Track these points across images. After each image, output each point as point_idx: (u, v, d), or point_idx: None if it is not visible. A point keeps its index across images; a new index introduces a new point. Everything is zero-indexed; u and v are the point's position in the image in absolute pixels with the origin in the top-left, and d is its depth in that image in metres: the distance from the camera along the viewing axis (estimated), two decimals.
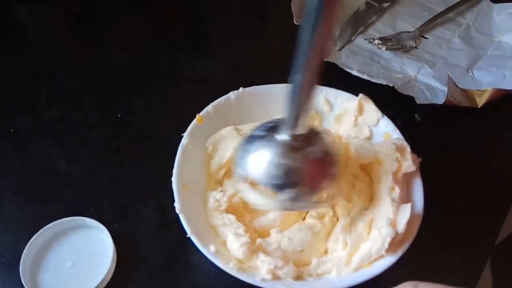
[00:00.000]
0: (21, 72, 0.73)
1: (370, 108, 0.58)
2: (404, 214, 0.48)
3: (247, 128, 0.55)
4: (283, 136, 0.43)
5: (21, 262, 0.50)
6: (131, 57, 0.76)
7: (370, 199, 0.52)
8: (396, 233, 0.46)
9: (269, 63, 0.76)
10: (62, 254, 0.52)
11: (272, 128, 0.45)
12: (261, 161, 0.43)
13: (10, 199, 0.58)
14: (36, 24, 0.82)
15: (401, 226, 0.47)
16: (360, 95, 0.59)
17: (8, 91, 0.70)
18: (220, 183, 0.54)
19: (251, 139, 0.46)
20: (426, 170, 0.53)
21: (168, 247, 0.54)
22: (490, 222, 0.59)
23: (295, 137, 0.43)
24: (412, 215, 0.48)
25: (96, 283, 0.49)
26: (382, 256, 0.46)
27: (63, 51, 0.77)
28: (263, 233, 0.50)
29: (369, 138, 0.57)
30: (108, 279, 0.50)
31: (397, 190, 0.50)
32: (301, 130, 0.42)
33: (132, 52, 0.77)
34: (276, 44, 0.79)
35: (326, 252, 0.50)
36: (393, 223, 0.47)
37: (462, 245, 0.56)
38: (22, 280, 0.49)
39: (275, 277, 0.45)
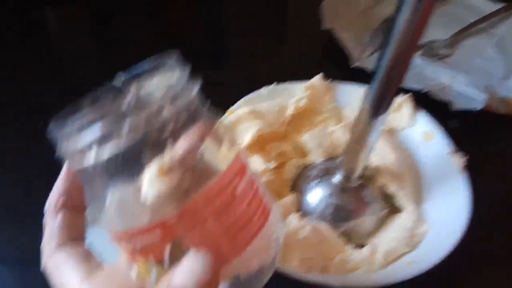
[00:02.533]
0: (41, 73, 0.72)
1: (407, 107, 0.55)
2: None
3: (266, 110, 0.54)
4: (337, 179, 0.49)
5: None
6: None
7: None
8: (411, 232, 0.46)
9: (286, 70, 0.74)
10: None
11: (327, 170, 0.51)
12: (316, 198, 0.50)
13: (38, 188, 0.56)
14: (61, 25, 0.81)
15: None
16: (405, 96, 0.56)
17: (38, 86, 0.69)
18: None
19: (309, 179, 0.51)
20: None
21: None
22: None
23: (350, 181, 0.48)
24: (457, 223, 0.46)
25: None
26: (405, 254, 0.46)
27: (88, 52, 0.76)
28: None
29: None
30: None
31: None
32: (357, 175, 0.48)
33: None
34: (296, 50, 0.77)
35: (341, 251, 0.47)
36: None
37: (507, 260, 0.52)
38: None
39: (307, 269, 0.42)
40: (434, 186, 0.51)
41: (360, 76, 0.69)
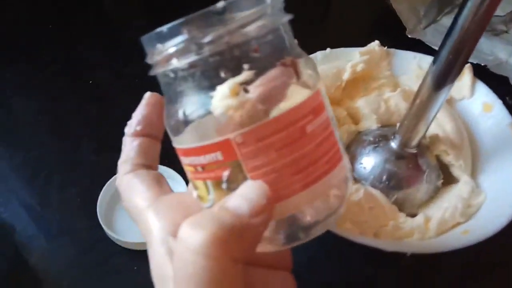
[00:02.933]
0: (100, 31, 0.73)
1: (467, 78, 0.54)
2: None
3: (322, 72, 0.51)
4: (394, 145, 0.48)
5: (98, 203, 0.49)
6: None
7: None
8: (467, 202, 0.44)
9: (339, 40, 0.73)
10: None
11: (383, 136, 0.50)
12: (371, 164, 0.49)
13: (88, 145, 0.57)
14: None
15: None
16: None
17: (88, 47, 0.70)
18: None
19: (364, 144, 0.50)
20: None
21: None
22: None
23: (408, 147, 0.47)
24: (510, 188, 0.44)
25: None
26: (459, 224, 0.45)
27: (142, 12, 0.76)
28: None
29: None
30: None
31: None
32: (416, 143, 0.47)
33: None
34: (348, 20, 0.76)
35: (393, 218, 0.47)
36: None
37: None
38: (100, 220, 0.48)
39: (361, 232, 0.42)
40: (491, 157, 0.49)
41: (415, 47, 0.68)
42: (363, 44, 0.57)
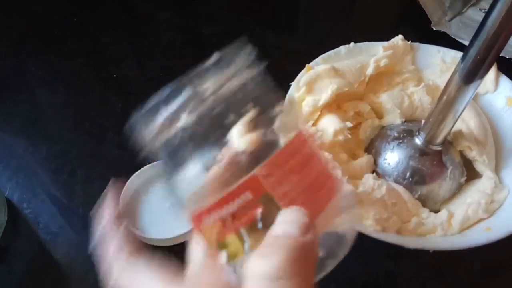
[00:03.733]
0: (125, 23, 0.74)
1: (491, 72, 0.53)
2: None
3: (346, 67, 0.52)
4: (419, 142, 0.48)
5: (120, 198, 0.49)
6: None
7: None
8: (490, 198, 0.44)
9: (363, 32, 0.72)
10: (160, 194, 0.51)
11: (407, 132, 0.50)
12: (395, 160, 0.49)
13: (112, 139, 0.58)
14: None
15: None
16: None
17: (113, 40, 0.71)
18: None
19: (389, 139, 0.50)
20: None
21: None
22: None
23: (433, 144, 0.47)
24: None
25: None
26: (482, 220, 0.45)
27: (166, 5, 0.77)
28: (356, 175, 0.48)
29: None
30: None
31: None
32: (440, 141, 0.47)
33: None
34: (373, 12, 0.76)
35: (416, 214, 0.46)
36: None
37: None
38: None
39: (383, 229, 0.42)
40: None
41: (439, 40, 0.67)
42: (388, 37, 0.57)
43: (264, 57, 0.26)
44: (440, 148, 0.47)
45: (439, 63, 0.56)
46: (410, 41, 0.57)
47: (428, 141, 0.47)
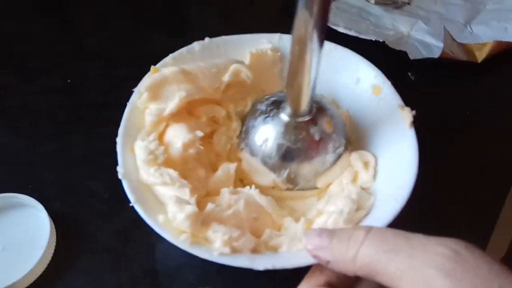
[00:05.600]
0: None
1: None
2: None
3: (199, 71, 0.46)
4: (285, 115, 0.43)
5: None
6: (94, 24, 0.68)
7: None
8: (355, 205, 0.40)
9: (242, 24, 0.68)
10: None
11: (275, 104, 0.44)
12: (263, 141, 0.43)
13: None
14: None
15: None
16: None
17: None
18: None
19: (256, 114, 0.45)
20: (421, 131, 0.44)
21: (120, 226, 0.45)
22: (495, 187, 0.51)
23: (298, 115, 0.42)
24: (404, 179, 0.40)
25: (29, 268, 0.40)
26: None
27: (12, 13, 0.68)
28: (216, 191, 0.42)
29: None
30: (46, 263, 0.42)
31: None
32: (305, 108, 0.42)
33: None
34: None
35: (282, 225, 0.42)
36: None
37: (461, 213, 0.49)
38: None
39: (233, 250, 0.36)
40: (382, 141, 0.45)
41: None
42: (268, 30, 0.52)
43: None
44: (306, 119, 0.42)
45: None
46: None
47: (293, 113, 0.42)
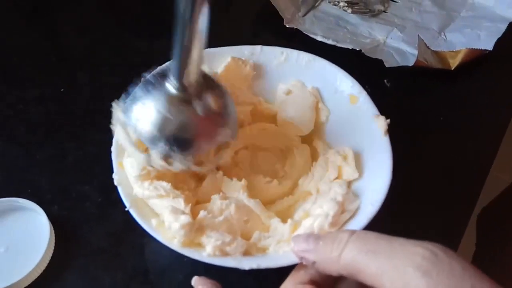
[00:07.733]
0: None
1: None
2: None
3: None
4: (169, 85, 0.39)
5: None
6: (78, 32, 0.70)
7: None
8: (341, 208, 0.42)
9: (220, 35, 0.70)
10: None
11: (164, 74, 0.40)
12: (141, 110, 0.39)
13: None
14: None
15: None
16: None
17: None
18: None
19: (143, 84, 0.41)
20: (397, 137, 0.47)
21: (113, 228, 0.48)
22: (467, 190, 0.55)
23: (183, 87, 0.38)
24: (379, 184, 0.43)
25: (31, 268, 0.44)
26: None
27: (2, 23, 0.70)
28: (205, 199, 0.45)
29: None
30: (45, 264, 0.45)
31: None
32: (191, 80, 0.38)
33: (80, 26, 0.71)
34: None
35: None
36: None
37: (435, 213, 0.53)
38: None
39: (224, 254, 0.39)
40: (359, 148, 0.48)
41: (293, 38, 0.67)
42: (242, 40, 0.54)
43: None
44: (191, 92, 0.39)
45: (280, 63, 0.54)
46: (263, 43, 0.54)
47: (179, 86, 0.39)
